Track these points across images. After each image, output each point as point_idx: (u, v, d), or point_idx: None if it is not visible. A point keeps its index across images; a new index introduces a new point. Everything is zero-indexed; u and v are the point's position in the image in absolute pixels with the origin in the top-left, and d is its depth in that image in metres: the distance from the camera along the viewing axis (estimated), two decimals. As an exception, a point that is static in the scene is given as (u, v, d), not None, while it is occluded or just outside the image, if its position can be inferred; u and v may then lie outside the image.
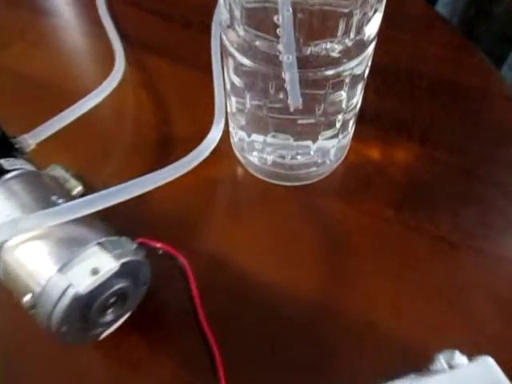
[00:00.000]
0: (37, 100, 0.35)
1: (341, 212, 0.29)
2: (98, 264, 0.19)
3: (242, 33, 0.22)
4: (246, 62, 0.22)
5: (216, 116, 0.30)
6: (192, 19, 0.41)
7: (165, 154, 0.32)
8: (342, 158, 0.30)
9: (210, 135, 0.28)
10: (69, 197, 0.24)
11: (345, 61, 0.22)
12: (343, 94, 0.24)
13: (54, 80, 0.36)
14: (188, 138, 0.31)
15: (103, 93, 0.32)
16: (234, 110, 0.27)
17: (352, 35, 0.21)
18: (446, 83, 0.36)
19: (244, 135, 0.27)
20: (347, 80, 0.23)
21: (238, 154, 0.30)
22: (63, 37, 0.40)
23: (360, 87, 0.25)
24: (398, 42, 0.39)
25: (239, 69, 0.23)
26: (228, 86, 0.26)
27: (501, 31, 0.58)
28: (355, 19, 0.21)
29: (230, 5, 0.22)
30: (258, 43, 0.21)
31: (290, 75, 0.21)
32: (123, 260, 0.20)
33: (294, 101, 0.22)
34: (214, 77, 0.31)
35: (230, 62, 0.24)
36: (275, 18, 0.20)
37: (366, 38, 0.22)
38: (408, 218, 0.29)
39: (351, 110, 0.26)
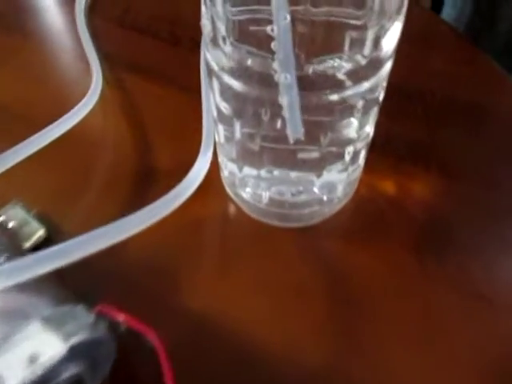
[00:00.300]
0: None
1: (350, 259, 0.24)
2: (38, 348, 0.15)
3: (228, 49, 0.17)
4: (233, 83, 0.18)
5: (203, 145, 0.25)
6: (181, 36, 0.37)
7: (144, 189, 0.28)
8: (352, 194, 0.26)
9: (194, 168, 0.24)
10: (17, 251, 0.19)
11: (356, 82, 0.18)
12: (354, 122, 0.19)
13: (22, 105, 0.32)
14: (172, 171, 0.27)
15: (74, 119, 0.28)
16: (222, 139, 0.22)
17: (366, 51, 0.17)
18: (463, 102, 0.32)
19: (234, 168, 0.23)
20: (359, 105, 0.19)
21: (228, 189, 0.26)
22: (33, 57, 0.36)
23: (374, 112, 0.21)
24: (405, 57, 0.35)
25: (226, 92, 0.19)
26: (214, 113, 0.21)
27: (504, 47, 0.55)
28: (370, 32, 0.17)
29: (212, 17, 0.18)
30: (248, 61, 0.17)
31: (288, 99, 0.17)
32: (73, 341, 0.15)
33: (294, 131, 0.18)
34: (203, 100, 0.27)
35: (216, 84, 0.19)
36: (269, 28, 0.15)
37: (382, 54, 0.18)
38: (432, 266, 0.24)
39: (363, 139, 0.21)
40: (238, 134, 0.20)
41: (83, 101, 0.30)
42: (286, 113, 0.18)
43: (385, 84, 0.20)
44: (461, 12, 0.62)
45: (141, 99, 0.33)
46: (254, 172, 0.22)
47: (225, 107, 0.20)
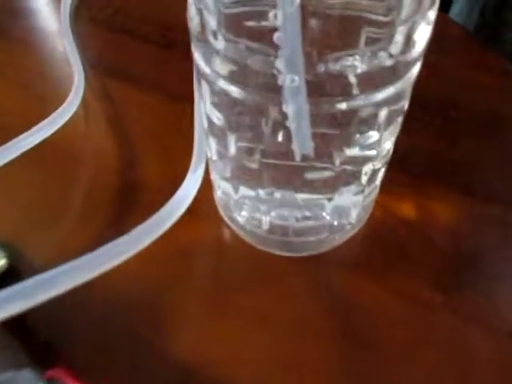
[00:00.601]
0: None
1: (363, 293, 0.21)
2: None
3: (220, 45, 0.14)
4: (227, 88, 0.15)
5: (193, 161, 0.22)
6: (173, 39, 0.34)
7: (127, 211, 0.24)
8: (366, 218, 0.22)
9: (182, 188, 0.20)
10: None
11: (379, 87, 0.14)
12: (374, 136, 0.16)
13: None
14: (159, 189, 0.24)
15: (47, 130, 0.24)
16: (215, 155, 0.19)
17: (394, 49, 0.14)
18: (488, 113, 0.28)
19: (229, 189, 0.20)
20: (382, 116, 0.15)
21: (222, 212, 0.22)
22: (14, 61, 0.33)
23: (398, 125, 0.17)
24: (423, 65, 0.32)
25: (219, 99, 0.16)
26: (205, 124, 0.18)
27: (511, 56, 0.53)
28: (401, 28, 0.13)
29: (200, 10, 0.14)
30: (244, 59, 0.14)
31: (295, 107, 0.14)
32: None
33: (302, 146, 0.15)
34: (195, 109, 0.24)
35: (206, 89, 0.16)
36: (271, 15, 0.12)
37: (413, 53, 0.14)
38: (457, 300, 0.21)
39: (383, 156, 0.18)
40: (232, 149, 0.17)
41: (59, 109, 0.26)
42: (291, 124, 0.14)
43: (410, 91, 0.17)
44: (467, 20, 0.60)
45: (127, 108, 0.29)
46: (251, 193, 0.18)
47: (217, 117, 0.16)
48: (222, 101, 0.15)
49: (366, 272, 0.21)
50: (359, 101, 0.14)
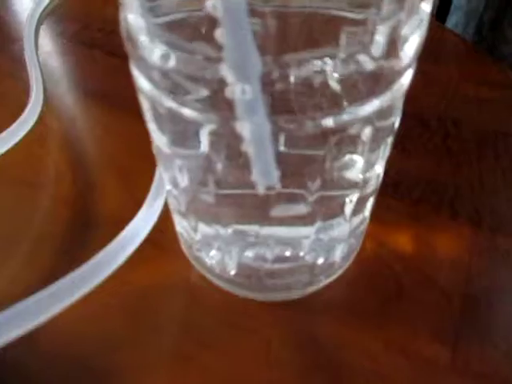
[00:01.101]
0: None
1: (355, 349, 0.17)
2: None
3: (147, 46, 0.11)
4: (165, 102, 0.11)
5: (152, 191, 0.19)
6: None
7: (79, 247, 0.21)
8: (354, 255, 0.19)
9: (134, 222, 0.17)
10: None
11: (361, 99, 0.11)
12: (358, 160, 0.13)
13: None
14: (116, 222, 0.20)
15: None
16: (168, 185, 0.16)
17: (376, 51, 0.10)
18: (493, 133, 0.25)
19: (187, 225, 0.16)
20: (366, 135, 0.12)
21: (185, 251, 0.19)
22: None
23: (387, 146, 0.14)
24: (421, 77, 0.29)
25: (158, 116, 0.12)
26: (152, 148, 0.15)
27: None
28: (382, 27, 0.10)
29: (128, 22, 0.11)
30: (180, 64, 0.11)
31: (251, 127, 0.11)
32: None
33: (265, 175, 0.12)
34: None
35: (146, 107, 0.13)
36: (209, 3, 0.09)
37: (400, 60, 0.11)
38: (466, 357, 0.17)
39: (371, 183, 0.15)
40: (183, 178, 0.14)
41: (10, 128, 0.23)
42: (248, 148, 0.11)
43: (401, 105, 0.14)
44: (463, 33, 0.58)
45: (89, 128, 0.26)
46: (210, 231, 0.15)
47: (161, 141, 0.13)
48: (162, 119, 0.12)
49: (355, 320, 0.18)
50: (336, 117, 0.11)
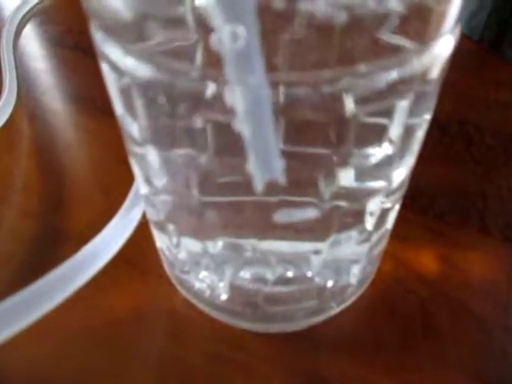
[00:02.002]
0: None
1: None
2: None
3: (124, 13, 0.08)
4: (137, 71, 0.09)
5: (129, 199, 0.16)
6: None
7: (46, 264, 0.17)
8: (372, 277, 0.16)
9: (103, 233, 0.14)
10: None
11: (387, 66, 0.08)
12: (385, 151, 0.10)
13: None
14: (88, 237, 0.17)
15: None
16: (143, 188, 0.12)
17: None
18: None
19: (167, 241, 0.13)
20: (396, 128, 0.09)
21: (168, 272, 0.16)
22: None
23: (418, 142, 0.11)
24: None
25: (127, 94, 0.09)
26: (124, 138, 0.12)
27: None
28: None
29: None
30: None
31: (245, 94, 0.08)
32: None
33: (265, 168, 0.09)
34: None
35: (110, 79, 0.10)
36: None
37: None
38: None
39: (398, 187, 0.12)
40: (160, 179, 0.11)
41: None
42: (242, 126, 0.08)
43: (436, 89, 0.11)
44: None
45: (64, 132, 0.23)
46: (196, 246, 0.12)
47: (130, 126, 0.10)
48: (135, 98, 0.09)
49: (373, 359, 0.15)
50: (362, 79, 0.08)
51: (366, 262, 0.14)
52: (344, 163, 0.10)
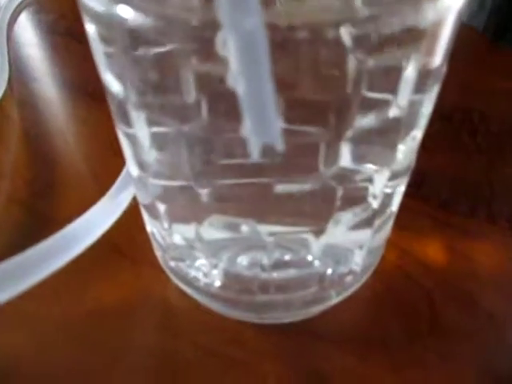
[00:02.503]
0: None
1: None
2: None
3: None
4: (127, 19, 0.08)
5: (118, 180, 0.15)
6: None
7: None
8: (375, 265, 0.15)
9: (87, 214, 0.13)
10: None
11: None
12: (393, 113, 0.09)
13: None
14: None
15: None
16: (135, 172, 0.12)
17: None
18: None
19: (158, 226, 0.12)
20: (411, 68, 0.08)
21: (160, 260, 0.15)
22: None
23: (432, 99, 0.10)
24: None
25: (111, 52, 0.09)
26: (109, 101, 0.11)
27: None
28: None
29: None
30: None
31: (240, 41, 0.07)
32: None
33: (260, 131, 0.08)
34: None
35: (92, 31, 0.09)
36: None
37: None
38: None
39: (403, 169, 0.11)
40: (148, 152, 0.10)
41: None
42: (236, 82, 0.07)
43: (449, 39, 0.10)
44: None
45: (56, 119, 0.23)
46: (189, 231, 0.11)
47: (113, 86, 0.09)
48: (117, 55, 0.08)
49: (375, 353, 0.14)
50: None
51: (369, 248, 0.13)
52: (347, 131, 0.09)
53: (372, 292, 0.15)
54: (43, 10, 0.31)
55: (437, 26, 0.08)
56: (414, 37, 0.08)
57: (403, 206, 0.15)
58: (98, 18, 0.09)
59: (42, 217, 0.18)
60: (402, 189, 0.13)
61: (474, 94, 0.23)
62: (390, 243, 0.16)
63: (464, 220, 0.17)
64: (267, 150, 0.08)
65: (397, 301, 0.15)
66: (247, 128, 0.08)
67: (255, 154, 0.08)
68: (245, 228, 0.11)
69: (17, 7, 0.31)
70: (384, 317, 0.15)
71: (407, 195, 0.16)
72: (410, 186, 0.15)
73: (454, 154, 0.20)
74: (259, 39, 0.07)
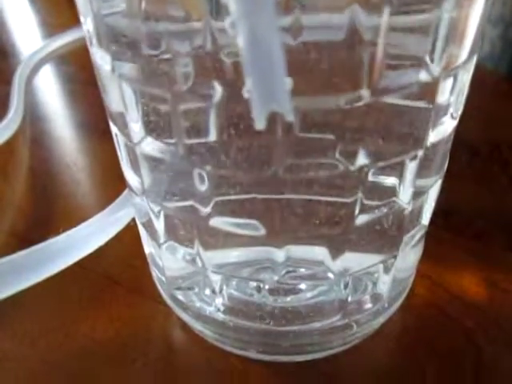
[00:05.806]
0: None
1: None
2: None
3: None
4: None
5: (119, 199, 0.14)
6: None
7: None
8: (404, 296, 0.13)
9: (78, 228, 0.12)
10: None
11: None
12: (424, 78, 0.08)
13: None
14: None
15: None
16: (127, 173, 0.10)
17: None
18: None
19: (156, 246, 0.11)
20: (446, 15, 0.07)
21: (160, 288, 0.13)
22: None
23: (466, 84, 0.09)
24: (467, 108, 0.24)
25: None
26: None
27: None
28: None
29: None
30: None
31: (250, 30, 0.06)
32: None
33: (264, 102, 0.07)
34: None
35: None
36: None
37: None
38: None
39: (439, 145, 0.10)
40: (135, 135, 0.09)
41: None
42: (239, 35, 0.06)
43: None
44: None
45: (61, 153, 0.22)
46: (189, 253, 0.10)
47: (103, 64, 0.08)
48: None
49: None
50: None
51: (397, 273, 0.11)
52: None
53: (401, 328, 0.13)
54: (65, 62, 0.32)
55: None
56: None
57: (431, 235, 0.13)
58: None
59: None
60: (434, 193, 0.11)
61: (501, 127, 0.22)
62: (420, 275, 0.14)
63: (502, 252, 0.15)
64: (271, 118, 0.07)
65: (432, 341, 0.13)
66: (251, 91, 0.07)
67: (260, 122, 0.07)
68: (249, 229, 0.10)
69: (40, 60, 0.32)
70: (416, 359, 0.12)
71: (436, 225, 0.15)
72: (438, 216, 0.13)
73: (484, 186, 0.18)
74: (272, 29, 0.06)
